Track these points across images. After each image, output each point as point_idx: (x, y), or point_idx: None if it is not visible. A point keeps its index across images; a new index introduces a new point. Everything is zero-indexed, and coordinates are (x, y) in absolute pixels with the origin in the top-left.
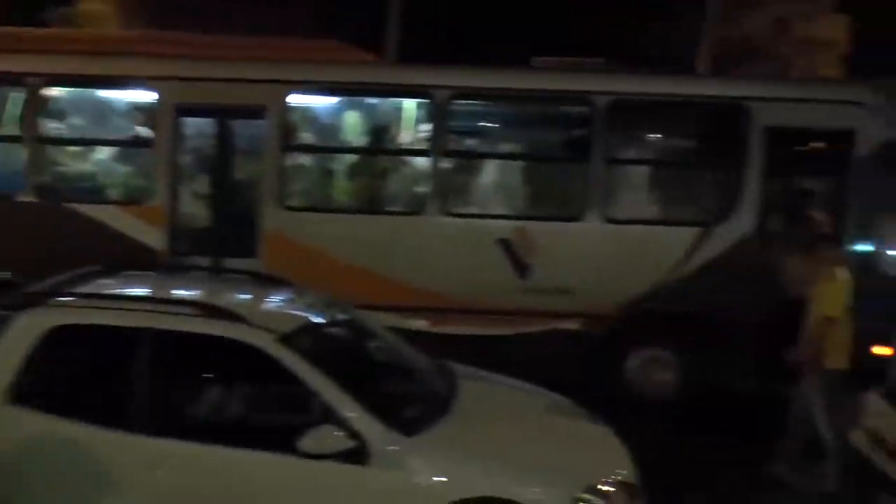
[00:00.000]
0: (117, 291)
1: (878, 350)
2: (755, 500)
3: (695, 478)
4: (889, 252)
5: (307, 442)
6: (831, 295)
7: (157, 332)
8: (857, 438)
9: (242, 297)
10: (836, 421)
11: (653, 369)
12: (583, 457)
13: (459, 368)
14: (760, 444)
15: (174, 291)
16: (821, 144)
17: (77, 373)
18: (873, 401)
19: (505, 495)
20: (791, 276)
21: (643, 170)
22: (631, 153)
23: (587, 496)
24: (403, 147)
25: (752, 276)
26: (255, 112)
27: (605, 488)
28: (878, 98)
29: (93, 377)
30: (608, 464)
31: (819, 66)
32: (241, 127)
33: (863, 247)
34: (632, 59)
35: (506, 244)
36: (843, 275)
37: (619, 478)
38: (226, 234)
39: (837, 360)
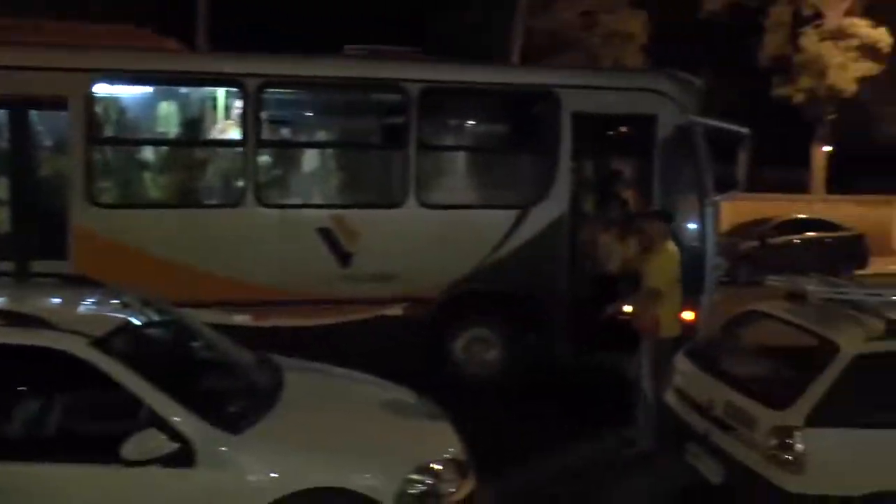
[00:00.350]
0: None
1: (684, 316)
2: (582, 469)
3: (524, 452)
4: (688, 225)
5: (129, 448)
6: (661, 268)
7: None
8: (669, 398)
9: (51, 301)
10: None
11: (478, 349)
12: (412, 439)
13: (285, 361)
14: (585, 416)
15: None
16: (627, 129)
17: None
18: (680, 361)
19: (337, 484)
20: (604, 252)
21: (459, 156)
22: (446, 140)
23: (417, 476)
24: (217, 138)
25: (568, 254)
26: (56, 103)
27: (435, 467)
28: (674, 86)
29: None
30: (437, 443)
31: (623, 57)
32: (42, 119)
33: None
34: (444, 49)
35: (326, 233)
36: (671, 248)
37: (448, 456)
38: (32, 236)
39: (670, 328)
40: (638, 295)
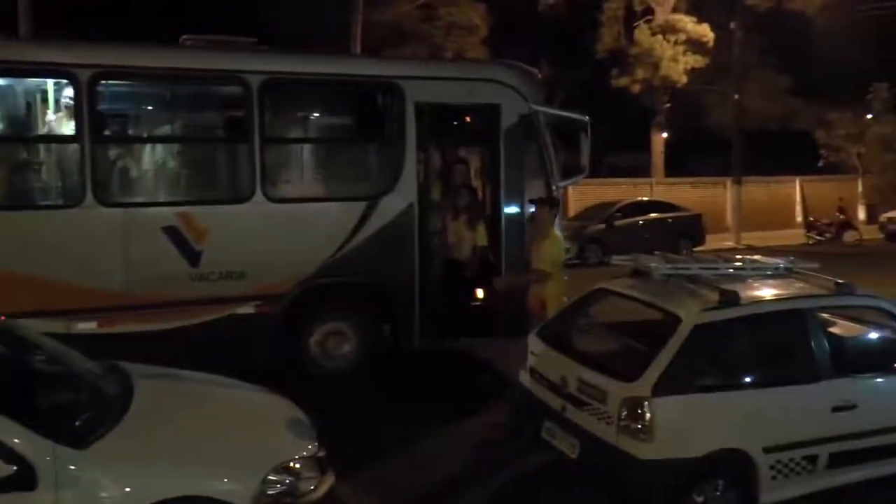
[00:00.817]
0: None
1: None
2: (440, 457)
3: (382, 444)
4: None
5: None
6: (549, 252)
7: None
8: (523, 377)
9: None
10: None
11: (333, 344)
12: (268, 439)
13: (134, 368)
14: (443, 405)
15: None
16: (471, 119)
17: None
18: (532, 342)
19: (193, 492)
20: (454, 240)
21: (305, 148)
22: (291, 133)
23: (276, 476)
24: (47, 134)
25: (419, 244)
26: None
27: (293, 465)
28: (516, 77)
29: None
30: (295, 441)
31: (464, 49)
32: None
33: (513, 206)
34: (280, 41)
35: (172, 232)
36: (557, 234)
37: (306, 453)
38: None
39: (557, 309)
40: (525, 277)
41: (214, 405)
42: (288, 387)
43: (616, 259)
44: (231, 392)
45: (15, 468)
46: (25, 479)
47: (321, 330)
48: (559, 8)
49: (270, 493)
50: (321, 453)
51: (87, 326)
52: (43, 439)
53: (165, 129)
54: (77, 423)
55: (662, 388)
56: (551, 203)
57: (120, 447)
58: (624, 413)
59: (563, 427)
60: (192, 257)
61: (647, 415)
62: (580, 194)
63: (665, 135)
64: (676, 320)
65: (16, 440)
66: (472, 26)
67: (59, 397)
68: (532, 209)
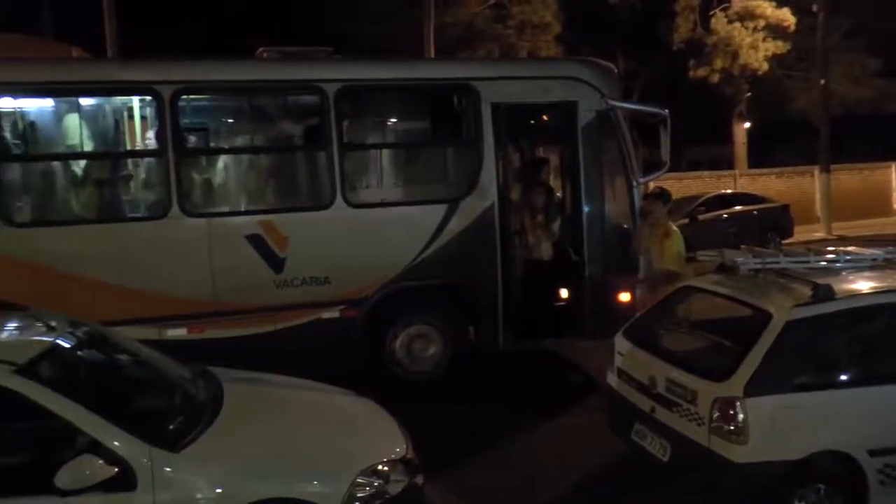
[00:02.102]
0: None
1: (622, 297)
2: (529, 456)
3: (471, 445)
4: (617, 208)
5: (64, 477)
6: (671, 249)
7: None
8: (610, 378)
9: None
10: None
11: (418, 346)
12: (358, 442)
13: (223, 373)
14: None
15: None
16: (548, 117)
17: None
18: (619, 342)
19: (284, 494)
20: (533, 239)
21: (383, 153)
22: (369, 138)
23: (365, 479)
24: (134, 149)
25: (500, 244)
26: None
27: (382, 468)
28: (592, 73)
29: None
30: (384, 444)
31: (538, 48)
32: None
33: (593, 204)
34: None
35: (255, 240)
36: (675, 228)
37: (395, 456)
38: None
39: None
40: (651, 277)
41: (303, 408)
42: (372, 390)
43: (701, 255)
44: (319, 395)
45: (116, 470)
46: (126, 480)
47: (405, 333)
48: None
49: (360, 495)
50: (409, 455)
51: (177, 333)
52: (140, 442)
53: (246, 140)
54: (171, 427)
55: (755, 387)
56: (664, 198)
57: (212, 450)
58: (716, 414)
59: (652, 428)
60: (276, 264)
61: (740, 415)
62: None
63: (747, 125)
64: (767, 317)
65: (116, 443)
66: (544, 24)
67: (154, 402)
68: (640, 204)
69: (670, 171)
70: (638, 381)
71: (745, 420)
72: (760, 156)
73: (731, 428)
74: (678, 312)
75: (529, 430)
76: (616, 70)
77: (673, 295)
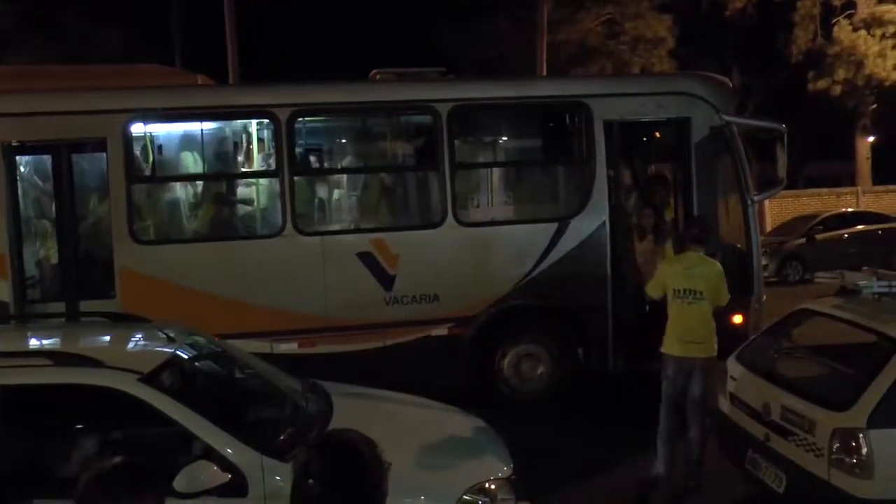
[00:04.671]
0: None
1: (736, 319)
2: (637, 484)
3: (578, 468)
4: (731, 227)
5: (181, 481)
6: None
7: (7, 388)
8: (722, 403)
9: (100, 340)
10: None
11: (526, 366)
12: (464, 459)
13: (332, 387)
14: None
15: (24, 342)
16: (661, 134)
17: None
18: (732, 366)
19: None
20: (641, 260)
21: (494, 172)
22: (481, 157)
23: (472, 497)
24: (252, 170)
25: (611, 264)
26: (95, 145)
27: (489, 486)
28: (706, 88)
29: None
30: (490, 463)
31: (651, 63)
32: (82, 161)
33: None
34: (469, 67)
35: (367, 257)
36: (688, 257)
37: (501, 475)
38: (79, 277)
39: None
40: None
41: (410, 424)
42: (481, 408)
43: (819, 276)
44: (426, 412)
45: (230, 476)
46: (239, 486)
47: (514, 352)
48: (749, 11)
49: None
50: (516, 475)
51: (289, 347)
52: (252, 451)
53: (359, 160)
54: (282, 437)
55: (879, 419)
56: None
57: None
58: (836, 445)
59: (767, 457)
60: (387, 281)
61: (864, 448)
62: (778, 208)
63: (871, 139)
64: (892, 343)
65: (229, 450)
66: (658, 39)
67: (266, 412)
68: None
69: (787, 188)
70: (751, 407)
71: (868, 453)
72: (885, 172)
73: (854, 461)
74: (795, 337)
75: (639, 454)
76: (730, 84)
77: (788, 318)
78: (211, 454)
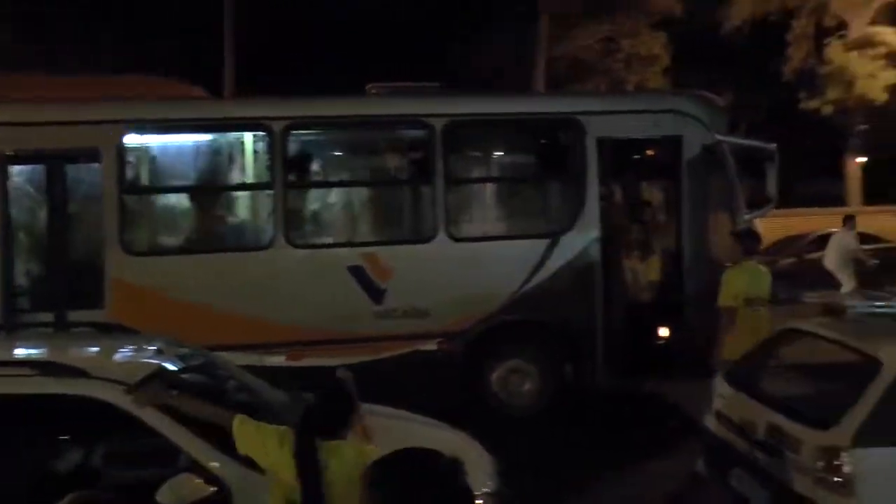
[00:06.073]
0: None
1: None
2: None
3: (564, 484)
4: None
5: (165, 493)
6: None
7: None
8: (709, 421)
9: (87, 350)
10: None
11: (515, 381)
12: None
13: None
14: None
15: (10, 352)
16: (653, 152)
17: None
18: (718, 384)
19: None
20: (629, 276)
21: (487, 188)
22: (473, 173)
23: None
24: (245, 182)
25: (601, 280)
26: (88, 155)
27: (475, 502)
28: (698, 107)
29: None
30: (476, 478)
31: (646, 80)
32: (74, 172)
33: (697, 242)
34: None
35: (357, 271)
36: (748, 266)
37: (487, 490)
38: (69, 287)
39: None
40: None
41: (397, 438)
42: (468, 423)
43: (808, 296)
44: (412, 425)
45: (213, 489)
46: (222, 500)
47: (502, 367)
48: (744, 30)
49: None
50: (502, 490)
51: (276, 360)
52: (238, 465)
53: (352, 174)
54: None
55: (864, 437)
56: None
57: None
58: (820, 464)
59: (753, 475)
60: (377, 295)
61: (847, 467)
62: (768, 227)
63: (862, 159)
64: (877, 364)
65: (214, 463)
66: (653, 57)
67: None
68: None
69: (777, 207)
70: (737, 425)
71: (852, 472)
72: (876, 192)
73: (839, 480)
74: (781, 355)
75: (628, 471)
76: (723, 103)
77: (776, 337)
78: (195, 467)
